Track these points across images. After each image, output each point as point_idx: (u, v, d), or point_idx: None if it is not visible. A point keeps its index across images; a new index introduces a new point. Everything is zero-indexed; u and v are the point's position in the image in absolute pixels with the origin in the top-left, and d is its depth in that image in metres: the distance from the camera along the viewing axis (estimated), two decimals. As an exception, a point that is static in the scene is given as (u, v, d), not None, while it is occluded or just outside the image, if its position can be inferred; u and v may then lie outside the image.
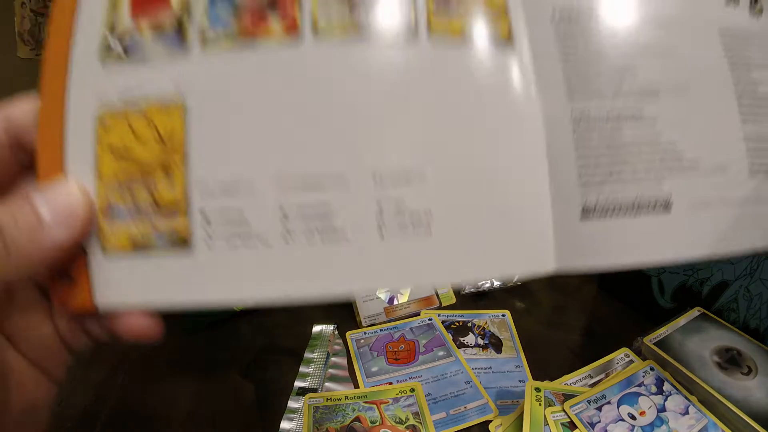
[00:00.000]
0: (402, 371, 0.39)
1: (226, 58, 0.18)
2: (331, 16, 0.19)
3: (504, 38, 0.20)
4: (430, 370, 0.39)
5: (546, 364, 0.39)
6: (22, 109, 0.18)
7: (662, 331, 0.39)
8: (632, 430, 0.31)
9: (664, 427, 0.31)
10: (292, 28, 0.18)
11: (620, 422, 0.31)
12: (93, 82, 0.18)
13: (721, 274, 0.40)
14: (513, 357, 0.41)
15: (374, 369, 0.39)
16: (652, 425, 0.31)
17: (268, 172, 0.18)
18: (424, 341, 0.42)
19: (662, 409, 0.32)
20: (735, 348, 0.37)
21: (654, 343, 0.38)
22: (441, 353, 0.41)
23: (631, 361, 0.38)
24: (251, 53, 0.18)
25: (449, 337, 0.43)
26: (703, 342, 0.37)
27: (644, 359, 0.37)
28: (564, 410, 0.32)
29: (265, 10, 0.18)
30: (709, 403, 0.32)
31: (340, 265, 0.18)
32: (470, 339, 0.43)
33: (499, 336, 0.43)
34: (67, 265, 0.18)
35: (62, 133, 0.18)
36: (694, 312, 0.41)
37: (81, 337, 0.20)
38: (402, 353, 0.41)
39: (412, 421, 0.33)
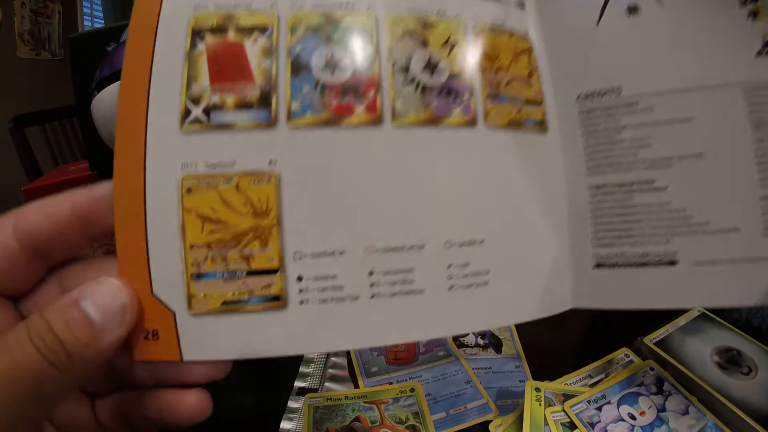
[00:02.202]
0: (402, 371, 0.39)
1: (313, 133, 0.20)
2: (408, 103, 0.21)
3: (540, 122, 0.23)
4: (430, 370, 0.39)
5: (546, 364, 0.39)
6: (32, 214, 0.18)
7: (662, 331, 0.39)
8: (632, 430, 0.31)
9: (664, 427, 0.31)
10: (374, 112, 0.20)
11: (620, 422, 0.31)
12: (174, 147, 0.18)
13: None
14: (513, 357, 0.41)
15: (374, 369, 0.39)
16: (652, 425, 0.31)
17: (359, 245, 0.19)
18: (423, 341, 0.42)
19: (662, 409, 0.32)
20: (735, 348, 0.37)
21: (654, 343, 0.38)
22: (441, 353, 0.41)
23: (631, 361, 0.38)
24: (336, 131, 0.20)
25: (449, 337, 0.43)
26: (704, 342, 0.37)
27: (644, 359, 0.37)
28: (564, 410, 0.32)
29: (350, 95, 0.20)
30: (709, 403, 0.32)
31: (416, 316, 0.20)
32: (470, 339, 0.43)
33: (499, 336, 0.43)
34: (150, 323, 0.18)
35: (142, 202, 0.18)
36: (695, 312, 0.41)
37: (123, 429, 0.20)
38: (402, 353, 0.41)
39: (412, 421, 0.33)
